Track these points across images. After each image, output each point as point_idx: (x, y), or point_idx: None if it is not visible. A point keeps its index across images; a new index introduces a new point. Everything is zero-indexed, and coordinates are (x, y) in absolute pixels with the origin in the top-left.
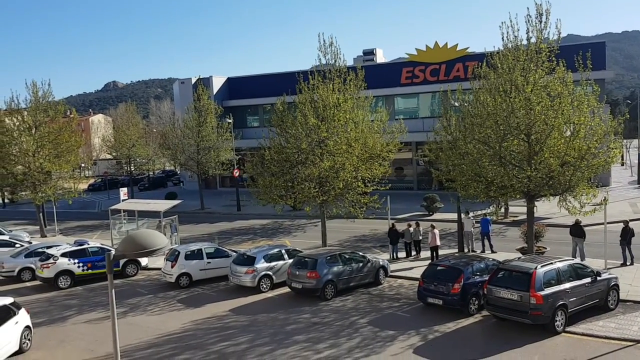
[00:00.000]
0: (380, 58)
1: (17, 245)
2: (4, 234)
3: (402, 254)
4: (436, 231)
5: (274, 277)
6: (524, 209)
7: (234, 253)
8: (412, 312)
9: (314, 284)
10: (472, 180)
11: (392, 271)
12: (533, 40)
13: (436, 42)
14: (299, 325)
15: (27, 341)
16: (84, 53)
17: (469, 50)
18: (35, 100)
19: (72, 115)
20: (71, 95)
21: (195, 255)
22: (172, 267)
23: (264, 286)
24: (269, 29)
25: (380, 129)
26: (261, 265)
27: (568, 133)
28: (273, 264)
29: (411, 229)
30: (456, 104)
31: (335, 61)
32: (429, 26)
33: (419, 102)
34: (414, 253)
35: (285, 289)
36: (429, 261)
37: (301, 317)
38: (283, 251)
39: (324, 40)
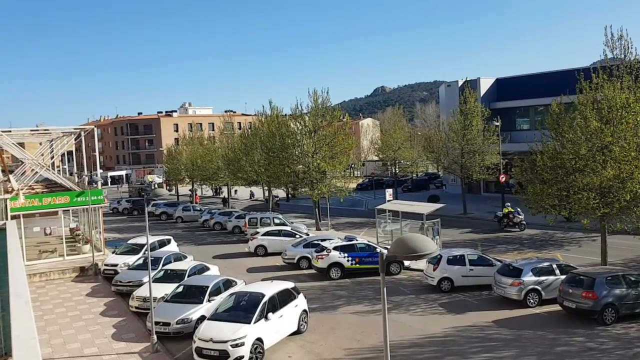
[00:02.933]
0: None
1: (297, 236)
2: (287, 225)
3: None
4: None
5: (542, 292)
6: None
7: (499, 262)
8: None
9: (590, 305)
10: None
11: None
12: None
13: None
14: (571, 348)
15: (304, 323)
16: (357, 61)
17: None
18: (315, 106)
19: (345, 120)
20: (344, 101)
21: (458, 260)
22: (434, 270)
23: (531, 301)
24: (541, 26)
25: None
26: (529, 278)
27: None
28: (542, 278)
29: None
30: None
31: (624, 56)
32: None
33: None
34: None
35: (555, 307)
36: None
37: (573, 340)
38: (554, 265)
39: (612, 34)
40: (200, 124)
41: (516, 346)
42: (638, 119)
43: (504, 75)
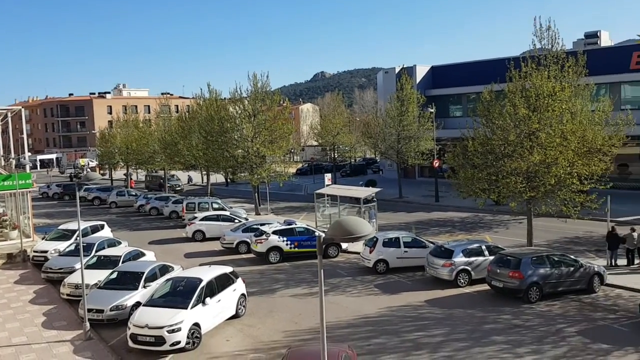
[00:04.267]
0: (606, 41)
1: (236, 221)
2: (226, 210)
3: (622, 261)
4: None
5: (472, 272)
6: None
7: (432, 244)
8: (631, 327)
9: (516, 284)
10: None
11: (608, 279)
12: None
13: None
14: (498, 325)
15: (242, 307)
16: (297, 46)
17: None
18: (255, 90)
19: (285, 105)
20: (284, 86)
21: (393, 243)
22: (370, 252)
23: (462, 281)
24: (473, 15)
25: (601, 120)
26: (459, 259)
27: None
28: (472, 259)
29: (635, 234)
30: None
31: (552, 46)
32: None
33: None
34: (637, 261)
35: (484, 286)
36: None
37: (501, 317)
38: (483, 247)
39: (540, 24)
40: (136, 106)
41: (447, 324)
42: (563, 107)
43: (439, 63)
